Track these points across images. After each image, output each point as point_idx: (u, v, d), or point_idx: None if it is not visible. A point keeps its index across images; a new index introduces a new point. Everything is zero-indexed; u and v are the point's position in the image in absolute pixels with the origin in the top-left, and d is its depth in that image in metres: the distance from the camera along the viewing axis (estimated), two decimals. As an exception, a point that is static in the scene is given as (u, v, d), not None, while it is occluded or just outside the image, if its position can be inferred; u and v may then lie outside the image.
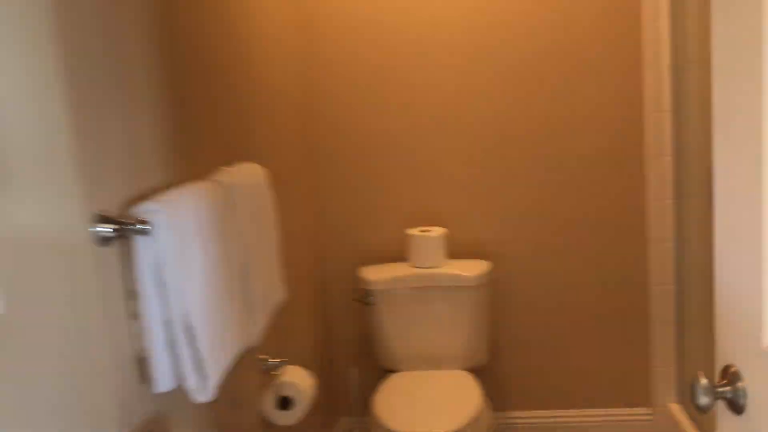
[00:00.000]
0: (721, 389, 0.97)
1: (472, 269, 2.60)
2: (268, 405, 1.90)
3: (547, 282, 2.76)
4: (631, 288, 2.72)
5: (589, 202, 2.67)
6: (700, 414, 1.56)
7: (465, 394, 2.37)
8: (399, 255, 2.76)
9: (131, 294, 1.14)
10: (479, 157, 2.70)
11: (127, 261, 1.14)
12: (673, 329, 2.70)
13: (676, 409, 2.70)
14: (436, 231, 2.65)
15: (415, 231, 2.66)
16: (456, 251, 2.74)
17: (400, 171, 2.74)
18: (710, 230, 1.11)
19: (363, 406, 2.82)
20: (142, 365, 1.17)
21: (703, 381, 0.96)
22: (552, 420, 2.84)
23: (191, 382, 1.20)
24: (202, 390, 1.23)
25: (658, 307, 2.70)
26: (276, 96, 2.28)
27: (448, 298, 2.58)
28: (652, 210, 2.63)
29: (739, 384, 0.95)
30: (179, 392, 1.23)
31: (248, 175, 1.66)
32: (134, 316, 1.15)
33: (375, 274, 2.63)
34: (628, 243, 2.68)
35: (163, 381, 1.17)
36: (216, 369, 1.27)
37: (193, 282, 1.22)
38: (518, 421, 2.86)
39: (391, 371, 2.63)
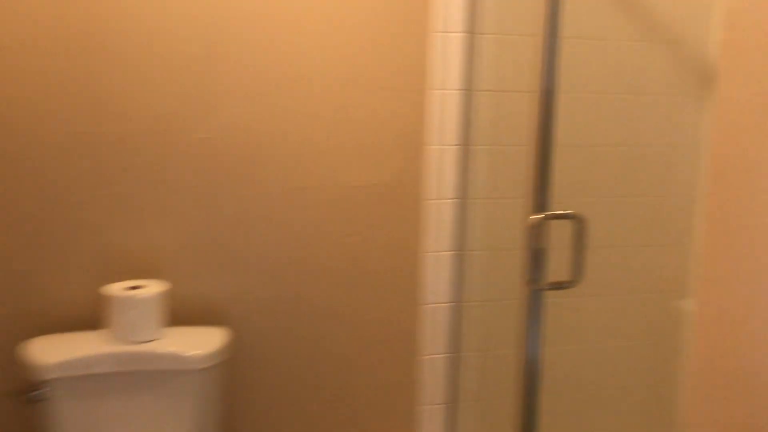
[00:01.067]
0: None
1: (200, 343, 1.85)
2: None
3: (304, 353, 2.12)
4: (400, 359, 2.20)
5: (355, 251, 2.10)
6: None
7: None
8: (93, 321, 1.91)
9: None
10: (213, 184, 1.97)
11: None
12: (444, 411, 2.24)
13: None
14: (150, 287, 1.86)
15: (117, 288, 1.84)
16: (180, 315, 1.97)
17: (97, 198, 1.90)
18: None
19: None
20: None
21: None
22: None
23: None
24: None
25: (428, 384, 2.22)
26: None
27: (164, 388, 1.80)
28: (428, 264, 2.15)
29: None
30: None
31: None
32: None
33: (49, 353, 1.74)
34: (399, 301, 2.17)
35: None
36: None
37: None
38: None
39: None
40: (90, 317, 1.91)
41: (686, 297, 2.34)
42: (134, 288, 1.85)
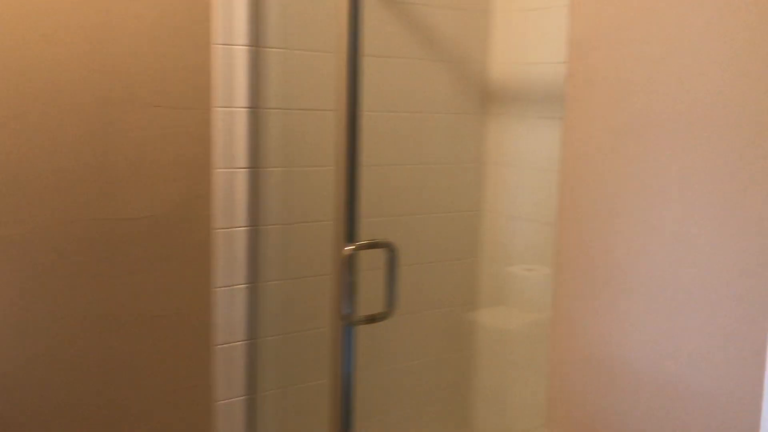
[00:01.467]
0: None
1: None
2: None
3: (78, 417, 1.78)
4: (193, 407, 1.95)
5: (130, 293, 1.82)
6: None
7: None
8: None
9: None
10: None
11: None
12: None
13: None
14: None
15: None
16: None
17: None
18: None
19: None
20: None
21: None
22: None
23: None
24: None
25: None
26: None
27: None
28: (220, 300, 1.94)
29: None
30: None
31: None
32: None
33: None
34: (188, 345, 1.92)
35: None
36: None
37: None
38: None
39: None
40: None
41: (477, 308, 2.40)
42: None
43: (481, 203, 2.37)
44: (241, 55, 1.87)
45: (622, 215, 0.98)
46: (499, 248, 2.33)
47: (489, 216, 2.36)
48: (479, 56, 2.31)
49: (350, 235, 1.54)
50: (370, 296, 1.67)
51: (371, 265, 1.67)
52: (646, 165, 0.93)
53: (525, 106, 2.23)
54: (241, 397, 2.01)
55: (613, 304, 0.96)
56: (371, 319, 1.56)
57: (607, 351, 0.97)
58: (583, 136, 1.03)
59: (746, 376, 0.81)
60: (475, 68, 2.31)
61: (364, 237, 1.57)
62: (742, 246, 0.82)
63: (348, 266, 1.50)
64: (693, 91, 0.88)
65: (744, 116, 0.84)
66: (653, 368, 0.91)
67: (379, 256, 1.61)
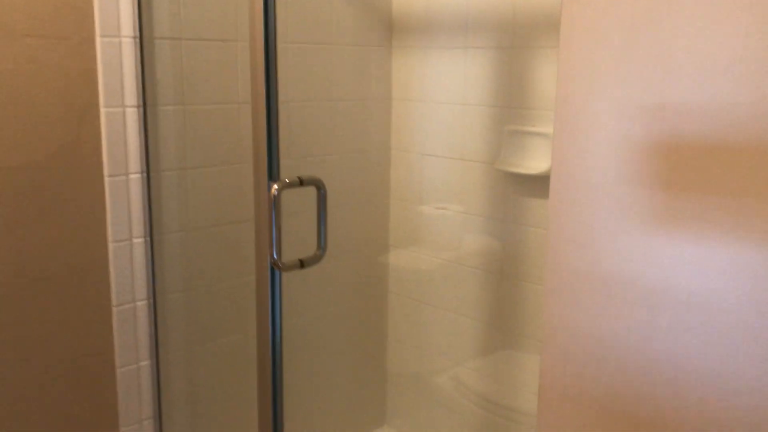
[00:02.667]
0: None
1: None
2: None
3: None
4: (93, 377, 1.75)
5: (12, 253, 1.58)
6: None
7: None
8: None
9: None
10: None
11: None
12: (154, 425, 1.87)
13: None
14: None
15: None
16: None
17: None
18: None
19: None
20: None
21: None
22: None
23: None
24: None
25: (132, 400, 1.82)
26: None
27: None
28: (117, 256, 1.73)
29: None
30: None
31: None
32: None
33: None
34: (83, 307, 1.71)
35: None
36: None
37: None
38: None
39: None
40: None
41: (390, 250, 2.34)
42: None
43: (390, 141, 2.28)
44: (125, -24, 1.64)
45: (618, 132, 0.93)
46: (409, 187, 2.26)
47: (398, 154, 2.27)
48: (383, -15, 2.18)
49: (272, 175, 1.40)
50: (292, 242, 1.55)
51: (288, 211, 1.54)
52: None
53: (431, 37, 2.14)
54: (146, 362, 1.83)
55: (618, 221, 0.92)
56: (302, 264, 1.44)
57: (607, 268, 0.92)
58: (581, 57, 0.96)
59: None
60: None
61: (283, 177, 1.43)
62: None
63: (274, 207, 1.37)
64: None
65: None
66: (661, 283, 0.88)
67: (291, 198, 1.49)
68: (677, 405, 0.89)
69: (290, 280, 2.07)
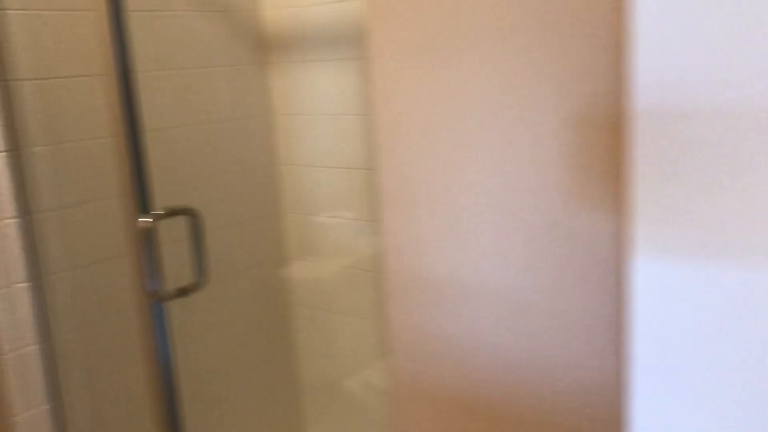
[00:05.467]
0: None
1: None
2: None
3: None
4: (-13, 432, 1.71)
5: None
6: None
7: None
8: None
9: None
10: None
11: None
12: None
13: None
14: None
15: None
16: None
17: None
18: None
19: None
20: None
21: None
22: None
23: None
24: None
25: (33, 445, 1.78)
26: None
27: None
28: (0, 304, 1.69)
29: None
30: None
31: None
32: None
33: None
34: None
35: None
36: None
37: None
38: None
39: None
40: None
41: (288, 263, 2.36)
42: None
43: (276, 156, 2.31)
44: (-26, 20, 1.60)
45: (438, 139, 0.98)
46: (301, 199, 2.30)
47: (287, 168, 2.30)
48: (249, 4, 2.20)
49: (144, 207, 1.41)
50: (178, 270, 1.56)
51: (173, 237, 1.55)
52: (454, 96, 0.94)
53: (304, 51, 2.18)
54: (44, 407, 1.80)
55: (439, 227, 0.97)
56: (182, 292, 1.45)
57: (438, 272, 0.98)
58: (390, 70, 1.01)
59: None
60: (248, 16, 2.21)
61: (159, 207, 1.44)
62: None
63: (147, 239, 1.38)
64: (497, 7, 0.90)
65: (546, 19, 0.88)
66: (481, 282, 0.94)
67: (177, 227, 1.50)
68: (501, 389, 0.96)
69: (185, 307, 2.07)
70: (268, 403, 2.37)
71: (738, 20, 0.61)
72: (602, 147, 0.84)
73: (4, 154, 1.67)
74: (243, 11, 2.18)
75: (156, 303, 1.44)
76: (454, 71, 0.94)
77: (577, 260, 0.83)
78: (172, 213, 1.42)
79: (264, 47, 2.25)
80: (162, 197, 1.54)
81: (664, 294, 0.63)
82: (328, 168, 2.20)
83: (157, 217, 1.39)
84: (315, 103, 2.18)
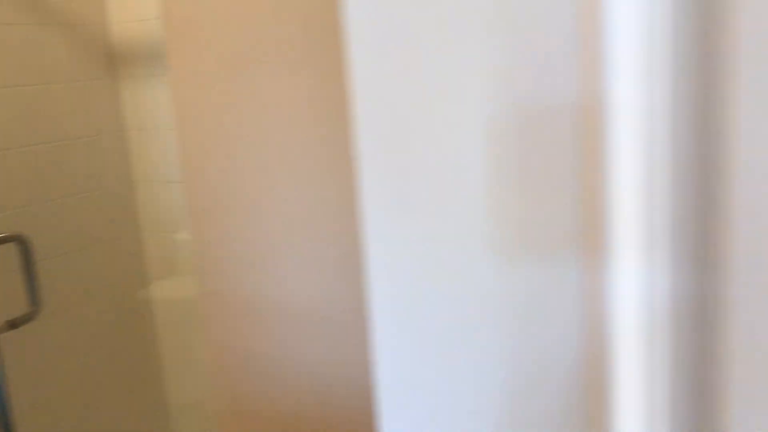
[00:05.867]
0: None
1: None
2: None
3: None
4: None
5: None
6: None
7: None
8: None
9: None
10: None
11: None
12: None
13: None
14: None
15: None
16: None
17: None
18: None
19: None
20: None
21: None
22: None
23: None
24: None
25: None
26: None
27: None
28: None
29: None
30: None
31: None
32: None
33: None
34: None
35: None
36: None
37: None
38: None
39: None
40: None
41: (149, 284, 2.29)
42: None
43: (132, 173, 2.23)
44: None
45: (242, 155, 0.98)
46: (160, 217, 2.23)
47: (144, 185, 2.23)
48: (97, 18, 2.12)
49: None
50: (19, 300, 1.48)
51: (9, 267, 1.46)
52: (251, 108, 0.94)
53: (152, 65, 2.12)
54: None
55: (246, 247, 0.97)
56: (13, 324, 1.38)
57: (247, 291, 0.98)
58: (191, 84, 1.00)
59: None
60: (95, 30, 2.13)
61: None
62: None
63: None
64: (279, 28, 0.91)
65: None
66: (284, 299, 0.95)
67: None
68: (306, 401, 0.98)
69: (30, 338, 1.95)
70: (136, 426, 2.30)
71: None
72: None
73: None
74: (89, 24, 2.10)
75: (-16, 337, 1.36)
76: (251, 86, 0.94)
77: (353, 269, 0.87)
78: (-4, 242, 1.35)
79: (113, 61, 2.18)
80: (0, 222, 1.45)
81: (396, 286, 0.65)
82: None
83: (-21, 248, 1.32)
84: (167, 117, 2.13)
